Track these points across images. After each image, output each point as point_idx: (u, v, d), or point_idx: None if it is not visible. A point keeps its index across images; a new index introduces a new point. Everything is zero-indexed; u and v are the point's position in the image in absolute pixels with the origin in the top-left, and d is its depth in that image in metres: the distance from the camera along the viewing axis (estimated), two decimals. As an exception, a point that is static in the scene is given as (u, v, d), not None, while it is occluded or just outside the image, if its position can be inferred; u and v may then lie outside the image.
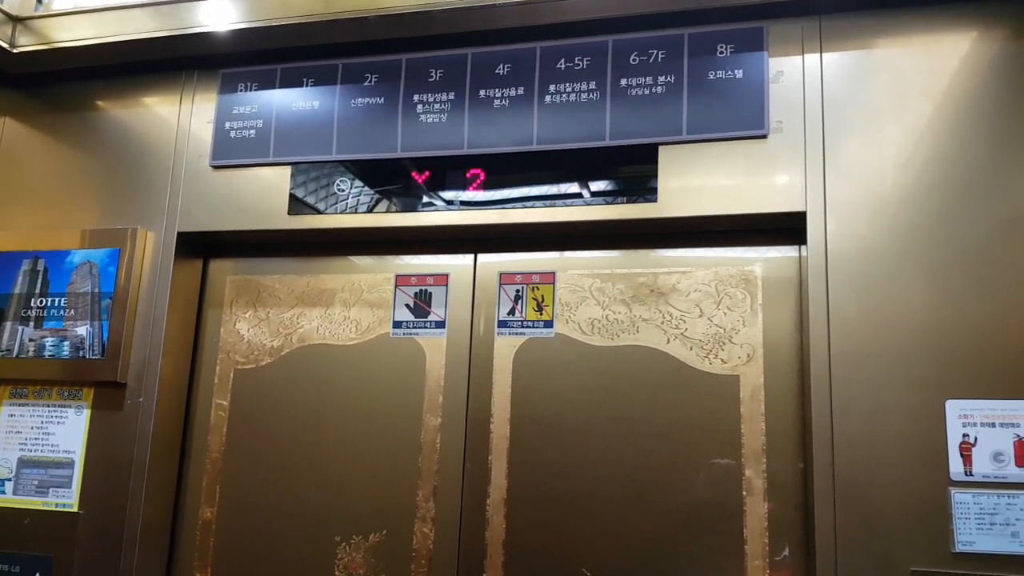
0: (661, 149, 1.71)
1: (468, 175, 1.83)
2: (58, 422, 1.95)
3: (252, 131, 1.98)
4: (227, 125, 2.00)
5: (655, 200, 1.70)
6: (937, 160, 1.55)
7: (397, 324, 1.92)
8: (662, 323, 1.75)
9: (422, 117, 1.86)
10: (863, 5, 1.65)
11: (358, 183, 1.90)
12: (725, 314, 1.72)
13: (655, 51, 1.75)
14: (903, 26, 1.63)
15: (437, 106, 1.86)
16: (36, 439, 1.96)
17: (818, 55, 1.66)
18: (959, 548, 1.42)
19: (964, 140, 1.55)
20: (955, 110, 1.56)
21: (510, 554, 1.74)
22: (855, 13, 1.65)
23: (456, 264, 1.93)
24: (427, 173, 1.86)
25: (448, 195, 1.84)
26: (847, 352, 1.52)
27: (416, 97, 1.88)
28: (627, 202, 1.72)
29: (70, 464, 1.92)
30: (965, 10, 1.60)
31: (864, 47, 1.64)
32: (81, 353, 1.92)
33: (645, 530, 1.67)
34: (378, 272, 1.97)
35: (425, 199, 1.85)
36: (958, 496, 1.43)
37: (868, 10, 1.65)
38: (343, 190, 1.90)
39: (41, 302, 1.98)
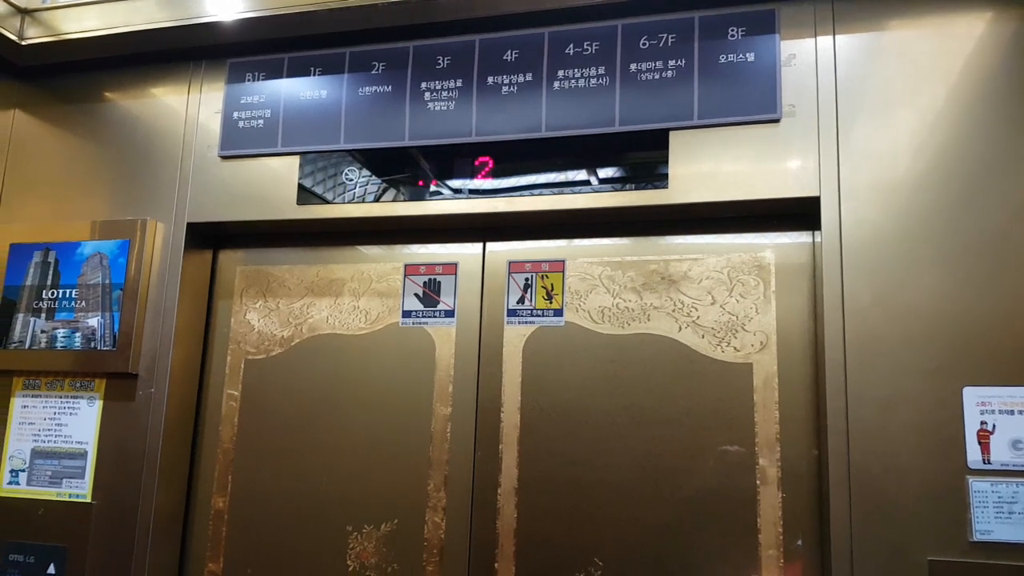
0: (672, 134, 1.69)
1: (476, 163, 1.81)
2: (71, 413, 1.96)
3: (260, 121, 1.97)
4: (235, 115, 1.99)
5: (666, 186, 1.68)
6: (952, 144, 1.52)
7: (406, 314, 1.91)
8: (673, 311, 1.74)
9: (430, 105, 1.85)
10: (877, -14, 1.62)
11: (366, 172, 1.89)
12: (737, 301, 1.70)
13: (665, 35, 1.73)
14: (917, 7, 1.59)
15: (445, 94, 1.85)
16: (49, 430, 1.97)
17: (831, 38, 1.64)
18: (977, 537, 1.40)
19: (979, 124, 1.52)
20: (970, 93, 1.53)
21: (521, 543, 1.73)
22: (869, -6, 1.63)
23: (465, 253, 1.92)
24: (435, 161, 1.84)
25: (456, 183, 1.83)
26: (862, 339, 1.50)
27: (424, 85, 1.86)
28: (637, 188, 1.70)
29: (83, 455, 1.93)
30: (981, -11, 1.57)
31: (877, 29, 1.61)
32: (93, 344, 1.93)
33: (657, 519, 1.66)
34: (387, 261, 1.96)
35: (433, 187, 1.84)
36: (976, 484, 1.41)
37: (882, -10, 1.62)
38: (351, 179, 1.90)
39: (52, 294, 1.98)
